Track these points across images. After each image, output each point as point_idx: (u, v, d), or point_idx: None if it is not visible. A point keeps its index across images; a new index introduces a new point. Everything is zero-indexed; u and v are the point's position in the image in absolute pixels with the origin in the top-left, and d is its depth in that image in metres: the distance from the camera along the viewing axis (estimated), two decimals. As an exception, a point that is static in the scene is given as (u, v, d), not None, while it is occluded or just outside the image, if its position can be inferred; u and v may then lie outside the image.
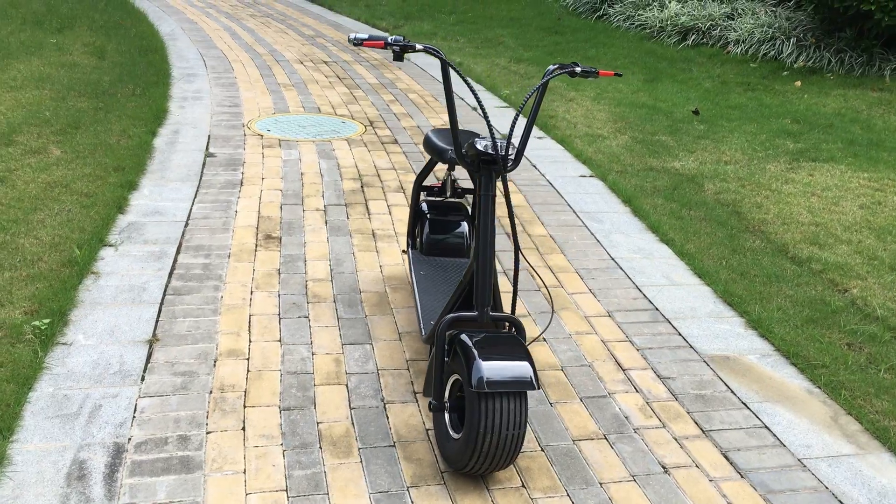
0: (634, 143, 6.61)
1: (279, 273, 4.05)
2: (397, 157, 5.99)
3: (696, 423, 3.08)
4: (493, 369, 2.52)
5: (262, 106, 7.21)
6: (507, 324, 2.84)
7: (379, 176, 5.56)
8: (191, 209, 4.75)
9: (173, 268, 4.01)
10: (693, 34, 9.99)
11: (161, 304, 3.66)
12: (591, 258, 4.46)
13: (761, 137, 6.82)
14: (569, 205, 5.23)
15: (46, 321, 3.33)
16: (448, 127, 3.64)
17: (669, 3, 10.65)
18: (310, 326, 3.57)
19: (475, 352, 2.57)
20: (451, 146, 3.38)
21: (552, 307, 3.31)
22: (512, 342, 2.64)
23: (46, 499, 2.48)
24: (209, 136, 6.15)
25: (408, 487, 2.64)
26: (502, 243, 4.58)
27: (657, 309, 3.94)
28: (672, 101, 7.95)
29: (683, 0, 10.77)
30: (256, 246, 4.33)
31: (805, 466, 2.87)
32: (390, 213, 4.89)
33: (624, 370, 3.40)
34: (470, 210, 3.86)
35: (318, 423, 2.92)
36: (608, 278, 4.23)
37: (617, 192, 5.46)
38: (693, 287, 4.18)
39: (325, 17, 13.02)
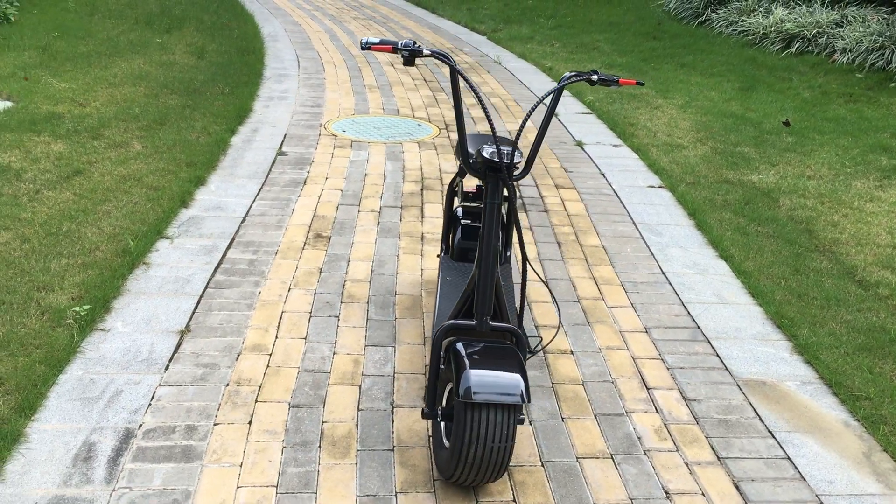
0: (714, 153, 6.38)
1: (320, 272, 4.11)
2: (464, 161, 5.98)
3: (712, 448, 2.95)
4: (482, 380, 2.49)
5: (343, 107, 7.35)
6: (512, 335, 2.79)
7: (441, 179, 5.57)
8: (251, 206, 4.89)
9: (220, 262, 4.14)
10: (798, 42, 9.56)
11: (201, 296, 3.79)
12: (641, 271, 4.33)
13: (853, 152, 6.45)
14: (630, 215, 5.09)
15: (87, 307, 3.50)
16: (483, 133, 3.61)
17: (776, 9, 10.22)
18: (337, 326, 3.62)
19: (466, 361, 2.54)
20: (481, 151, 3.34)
21: (559, 319, 3.24)
22: (507, 354, 2.59)
23: (50, 477, 2.60)
24: (285, 136, 6.32)
25: (396, 493, 2.64)
26: (551, 252, 4.51)
27: (699, 327, 3.79)
28: (764, 111, 7.63)
29: (790, 6, 10.32)
30: (305, 244, 4.42)
31: (821, 503, 2.70)
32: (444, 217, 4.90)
33: (648, 389, 3.29)
34: (505, 217, 3.82)
35: (322, 422, 2.96)
36: (653, 293, 4.10)
37: (684, 204, 5.29)
38: (743, 307, 4.00)
39: (426, 20, 13.15)
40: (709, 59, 9.68)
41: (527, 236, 4.70)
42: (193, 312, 3.65)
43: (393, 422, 2.99)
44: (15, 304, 3.54)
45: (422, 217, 4.89)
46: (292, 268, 4.13)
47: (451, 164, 5.91)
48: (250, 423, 2.94)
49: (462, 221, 3.77)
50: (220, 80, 7.87)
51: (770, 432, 3.06)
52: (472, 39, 11.46)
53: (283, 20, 12.28)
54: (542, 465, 2.81)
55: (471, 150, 3.44)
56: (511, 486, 2.71)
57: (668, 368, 3.45)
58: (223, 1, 13.15)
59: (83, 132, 5.90)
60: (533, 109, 2.59)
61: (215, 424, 2.91)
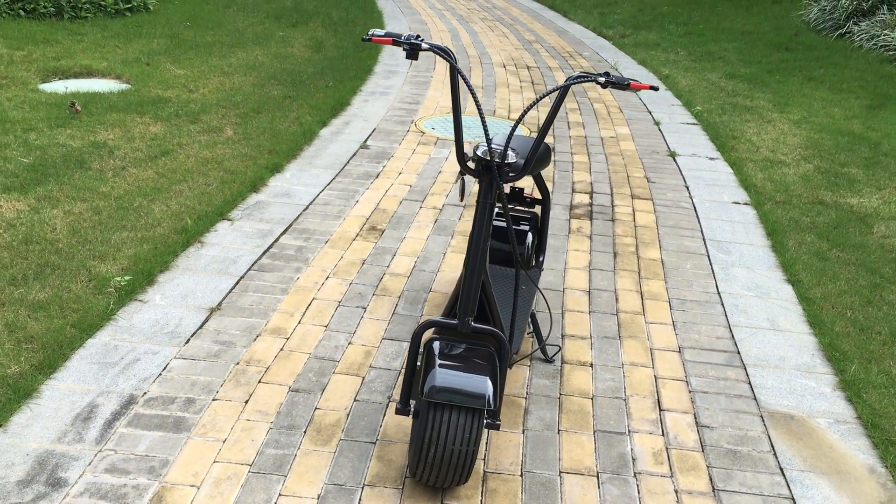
0: (816, 172, 5.99)
1: (363, 263, 4.16)
2: (544, 165, 5.89)
3: (710, 479, 2.78)
4: (447, 381, 2.45)
5: (440, 105, 7.39)
6: (495, 339, 2.73)
7: (515, 181, 5.51)
8: (317, 195, 5.00)
9: (270, 247, 4.26)
10: (943, 59, 8.82)
11: (241, 277, 3.92)
12: (694, 289, 4.13)
13: (977, 180, 5.90)
14: (702, 231, 4.87)
15: (127, 278, 3.69)
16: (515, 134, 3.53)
17: (923, 23, 9.49)
18: (361, 317, 3.65)
19: (437, 360, 2.51)
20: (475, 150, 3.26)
21: (549, 330, 3.13)
22: (480, 357, 2.54)
23: (49, 432, 2.77)
24: (373, 130, 6.43)
25: (364, 485, 2.64)
26: (603, 263, 4.37)
27: (738, 352, 3.57)
28: (887, 131, 7.10)
29: (940, 20, 9.55)
30: (357, 235, 4.48)
31: (813, 551, 2.50)
32: (504, 219, 4.85)
33: (661, 410, 3.14)
34: (540, 221, 3.74)
35: (315, 409, 3.00)
36: (700, 312, 3.90)
37: (765, 223, 5.00)
38: (796, 335, 3.74)
39: (555, 23, 13.04)
40: (840, 74, 9.10)
41: (583, 244, 4.58)
42: (229, 292, 3.77)
43: (384, 416, 2.99)
44: (68, 270, 3.77)
45: (482, 217, 4.85)
46: (337, 257, 4.20)
47: (530, 167, 5.83)
48: (247, 402, 3.01)
49: (494, 223, 3.72)
50: (329, 73, 8.09)
51: (780, 469, 2.85)
52: (597, 44, 11.26)
53: (411, 18, 12.48)
54: (521, 476, 2.73)
55: (512, 150, 3.38)
56: (482, 491, 2.65)
57: (690, 391, 3.27)
58: (357, -2, 13.51)
59: (183, 116, 6.22)
60: (530, 108, 2.52)
61: (213, 400, 3.01)
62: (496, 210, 3.78)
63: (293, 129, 6.18)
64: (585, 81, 2.65)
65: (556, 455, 2.84)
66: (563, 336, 3.61)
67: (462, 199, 2.71)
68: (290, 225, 4.54)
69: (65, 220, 4.26)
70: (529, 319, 3.41)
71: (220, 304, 3.67)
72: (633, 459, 2.86)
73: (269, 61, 8.39)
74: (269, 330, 3.49)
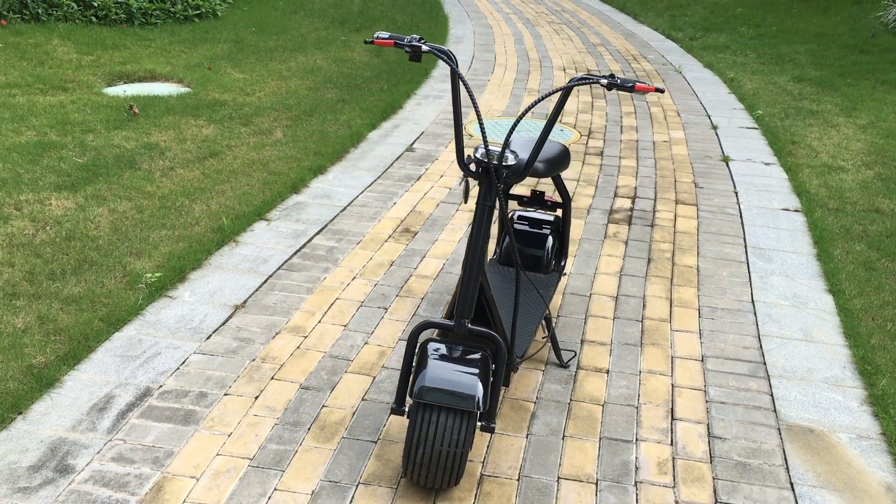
0: (877, 179, 5.76)
1: (391, 264, 4.19)
2: (590, 169, 5.83)
3: (714, 491, 2.70)
4: (437, 382, 2.45)
5: (493, 108, 7.39)
6: (493, 342, 2.71)
7: (552, 185, 5.46)
8: (356, 196, 5.07)
9: (303, 247, 4.34)
10: None
11: (270, 276, 4.00)
12: (728, 298, 4.02)
13: None
14: (744, 238, 4.74)
15: (158, 275, 3.81)
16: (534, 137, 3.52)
17: None
18: (382, 318, 3.68)
19: (429, 360, 2.51)
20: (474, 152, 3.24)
21: (545, 334, 3.08)
22: (474, 359, 2.53)
23: (65, 419, 2.88)
24: (422, 133, 6.47)
25: (359, 483, 2.66)
26: (635, 268, 4.30)
27: (764, 363, 3.47)
28: (960, 136, 6.77)
29: None
30: (389, 237, 4.52)
31: (813, 570, 2.40)
32: (540, 223, 4.81)
33: (673, 419, 3.07)
34: (562, 226, 3.71)
35: (322, 406, 3.04)
36: (730, 321, 3.80)
37: (814, 230, 4.83)
38: (829, 347, 3.61)
39: (624, 26, 12.87)
40: (916, 77, 8.72)
41: (617, 250, 4.52)
42: (256, 290, 3.85)
43: (389, 415, 3.01)
44: (104, 266, 3.92)
45: (518, 221, 4.83)
46: (366, 258, 4.25)
47: (574, 170, 5.78)
48: (257, 398, 3.07)
49: (514, 226, 3.71)
50: (385, 77, 8.18)
51: (790, 484, 2.75)
52: (664, 47, 11.07)
53: (478, 23, 12.51)
54: (518, 480, 2.71)
55: (512, 152, 3.37)
56: (476, 494, 2.64)
57: (707, 401, 3.19)
58: (425, 3, 13.60)
59: (236, 119, 6.38)
60: (528, 110, 2.50)
61: (225, 395, 3.08)
62: (519, 213, 3.76)
63: (342, 131, 6.27)
64: (589, 83, 2.62)
65: (556, 461, 2.81)
66: (582, 342, 3.57)
67: (465, 201, 2.71)
68: (325, 226, 4.61)
69: (108, 218, 4.42)
70: (544, 323, 3.38)
71: (245, 301, 3.75)
72: (637, 468, 2.80)
73: (327, 65, 8.53)
74: (289, 328, 3.55)
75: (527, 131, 6.72)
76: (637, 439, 2.95)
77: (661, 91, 2.59)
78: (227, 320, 3.59)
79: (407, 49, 2.69)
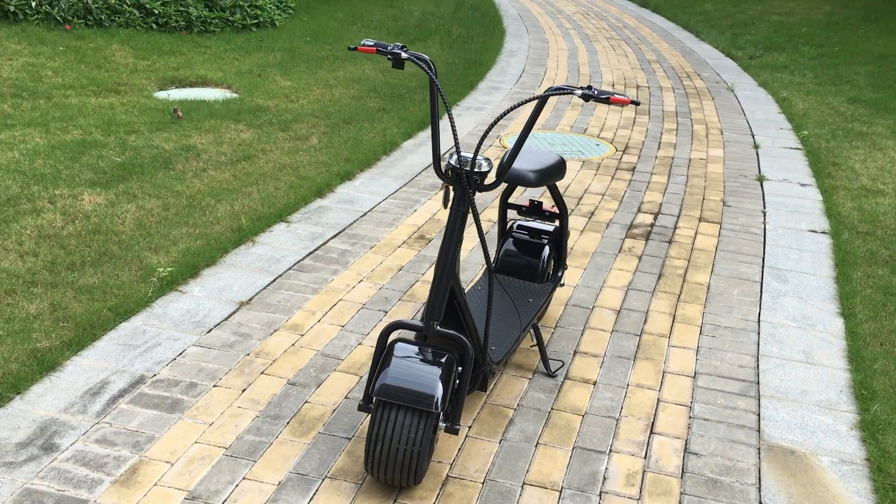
0: (916, 204, 5.60)
1: (399, 269, 4.27)
2: (618, 184, 5.82)
3: (678, 506, 2.69)
4: (397, 379, 2.51)
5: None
6: (459, 345, 2.75)
7: (581, 199, 5.47)
8: (379, 203, 5.16)
9: (316, 249, 4.44)
10: None
11: (279, 276, 4.11)
12: (733, 316, 3.98)
13: None
14: (763, 258, 4.67)
15: (169, 269, 3.96)
16: (530, 148, 3.55)
17: None
18: (380, 320, 3.75)
19: (393, 359, 2.57)
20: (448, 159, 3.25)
21: (535, 342, 3.09)
22: (437, 361, 2.58)
23: (59, 401, 3.03)
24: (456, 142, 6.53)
25: (325, 477, 2.73)
26: (644, 284, 4.28)
27: (757, 383, 3.42)
28: None
29: None
30: (403, 243, 4.60)
31: (764, 590, 2.37)
32: (556, 235, 4.83)
33: (652, 433, 3.06)
34: (560, 236, 3.72)
35: (305, 402, 3.12)
36: (731, 340, 3.75)
37: (837, 253, 4.73)
38: (829, 370, 3.54)
39: (684, 43, 12.74)
40: (978, 101, 8.42)
41: (629, 264, 4.50)
42: (263, 289, 3.97)
43: (368, 414, 3.07)
44: (122, 260, 4.09)
45: (534, 232, 4.86)
46: (376, 262, 4.33)
47: (602, 186, 5.77)
48: (243, 390, 3.17)
49: (512, 235, 3.74)
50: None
51: (759, 502, 2.71)
52: (721, 65, 10.94)
53: (535, 37, 12.54)
54: (483, 483, 2.75)
55: (484, 160, 3.40)
56: (438, 494, 2.68)
57: (690, 417, 3.17)
58: (484, 18, 13.70)
59: (276, 124, 6.56)
60: (498, 120, 2.55)
61: (214, 386, 3.19)
62: (520, 222, 3.79)
63: (377, 139, 6.38)
64: (564, 94, 2.65)
65: (524, 467, 2.83)
66: (575, 352, 3.58)
67: (445, 207, 2.77)
68: (343, 230, 4.72)
69: (135, 215, 4.61)
70: (532, 332, 3.40)
71: (251, 299, 3.87)
72: (605, 479, 2.80)
73: (374, 75, 8.69)
74: (288, 326, 3.65)
75: (562, 144, 6.73)
76: (611, 450, 2.95)
77: (638, 104, 2.60)
78: (230, 316, 3.71)
79: (388, 56, 2.77)
